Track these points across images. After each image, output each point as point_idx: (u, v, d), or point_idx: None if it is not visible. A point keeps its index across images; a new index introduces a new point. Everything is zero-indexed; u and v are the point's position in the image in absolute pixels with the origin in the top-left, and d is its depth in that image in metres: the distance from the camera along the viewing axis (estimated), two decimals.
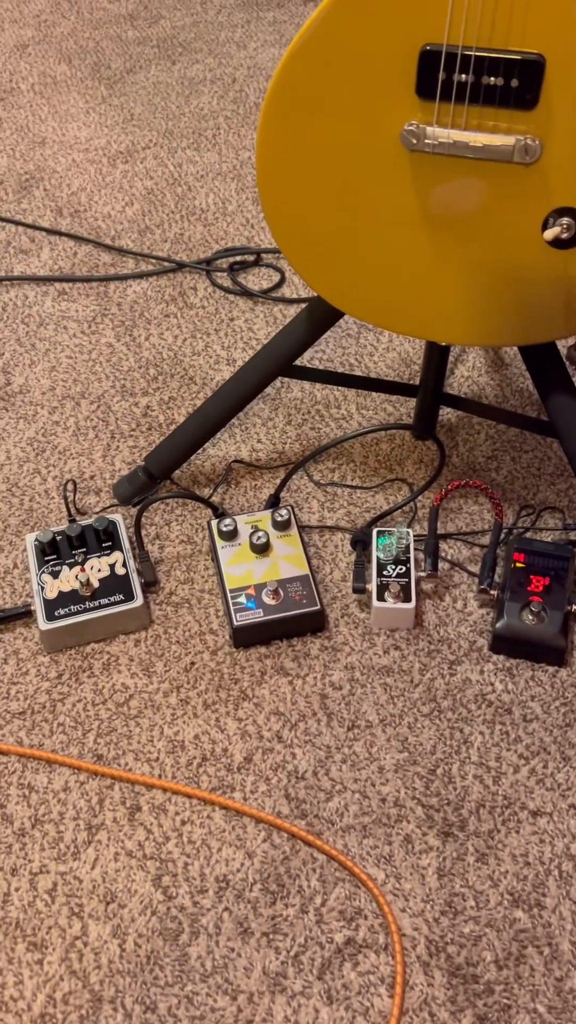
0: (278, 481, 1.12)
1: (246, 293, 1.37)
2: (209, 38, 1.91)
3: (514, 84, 0.77)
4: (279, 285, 1.39)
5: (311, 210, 0.88)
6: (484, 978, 0.78)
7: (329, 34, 0.79)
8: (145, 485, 1.11)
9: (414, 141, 0.81)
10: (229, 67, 1.83)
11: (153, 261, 1.43)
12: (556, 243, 0.84)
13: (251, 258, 1.42)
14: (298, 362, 1.14)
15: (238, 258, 1.42)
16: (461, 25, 0.76)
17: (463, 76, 0.77)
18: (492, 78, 0.77)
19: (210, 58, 1.86)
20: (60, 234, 1.48)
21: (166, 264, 1.42)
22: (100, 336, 1.32)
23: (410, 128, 0.81)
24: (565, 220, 0.83)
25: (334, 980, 0.78)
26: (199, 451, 1.17)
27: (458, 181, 0.83)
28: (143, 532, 1.09)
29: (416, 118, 0.81)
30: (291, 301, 1.37)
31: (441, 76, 0.78)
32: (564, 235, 0.83)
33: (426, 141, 0.81)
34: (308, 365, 1.27)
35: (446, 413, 1.20)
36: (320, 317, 1.01)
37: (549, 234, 0.83)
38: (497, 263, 0.87)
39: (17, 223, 1.50)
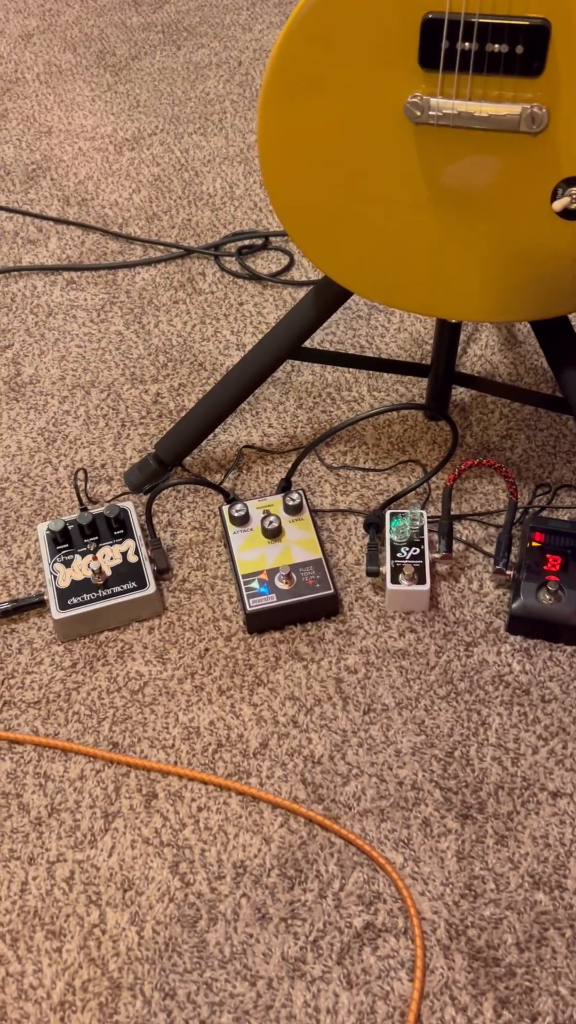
0: (290, 465, 1.11)
1: (255, 277, 1.36)
2: (214, 21, 1.90)
3: (519, 51, 0.75)
4: (288, 268, 1.38)
5: (315, 189, 0.87)
6: (505, 961, 0.77)
7: (327, 7, 0.77)
8: (156, 472, 1.10)
9: (418, 113, 0.79)
10: (235, 50, 1.82)
11: (161, 248, 1.42)
12: (565, 214, 0.83)
13: (259, 242, 1.41)
14: (308, 344, 1.13)
15: (246, 242, 1.41)
16: None
17: (467, 44, 0.76)
18: (496, 45, 0.75)
19: (215, 42, 1.84)
20: (67, 223, 1.47)
21: (174, 250, 1.41)
22: (109, 324, 1.32)
23: (414, 100, 0.79)
24: (574, 190, 0.81)
25: (353, 965, 0.78)
26: (210, 437, 1.16)
27: (464, 153, 0.82)
28: (155, 519, 1.08)
29: (420, 90, 0.79)
30: (300, 284, 1.35)
31: (444, 45, 0.76)
32: (573, 205, 0.82)
33: (430, 113, 0.79)
34: (318, 347, 1.26)
35: (459, 392, 1.18)
36: (328, 298, 1.00)
37: (558, 204, 0.82)
38: (506, 237, 0.86)
39: (25, 213, 1.49)
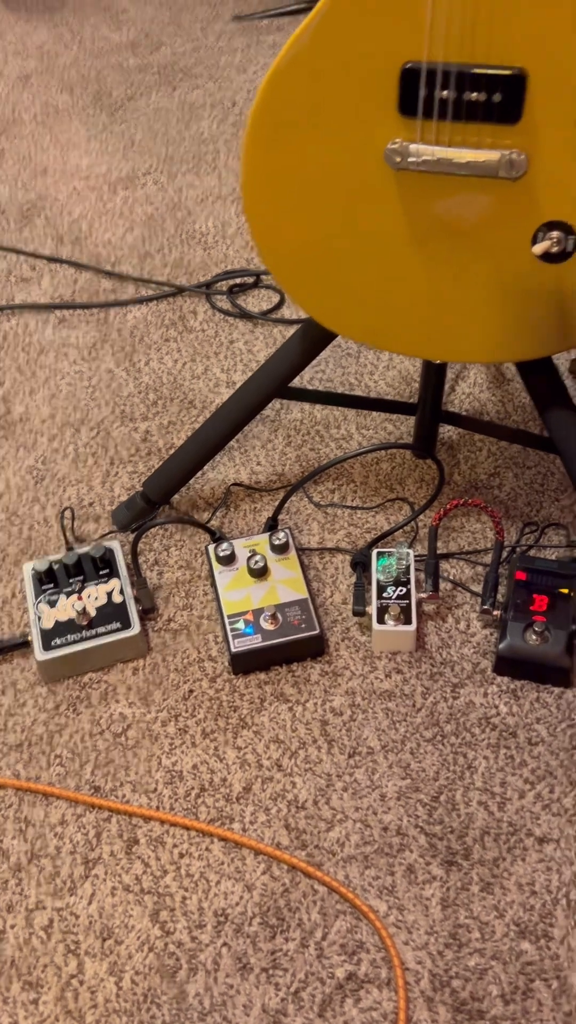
0: (277, 503, 1.11)
1: (245, 315, 1.37)
2: (209, 63, 1.92)
3: (496, 99, 0.76)
4: (279, 306, 1.39)
5: (298, 232, 0.88)
6: (490, 1013, 0.76)
7: (310, 54, 0.78)
8: (144, 510, 1.10)
9: (398, 159, 0.80)
10: (229, 91, 1.84)
11: (153, 286, 1.43)
12: (546, 257, 0.83)
13: (250, 280, 1.42)
14: (296, 383, 1.13)
15: (238, 280, 1.42)
16: (441, 41, 0.75)
17: (444, 92, 0.76)
18: (474, 93, 0.76)
19: (210, 83, 1.87)
20: (61, 261, 1.48)
21: (166, 288, 1.42)
22: (100, 362, 1.32)
23: (393, 146, 0.80)
24: (555, 234, 0.82)
25: (335, 1017, 0.76)
26: (198, 475, 1.16)
27: (445, 198, 0.82)
28: (141, 558, 1.08)
29: (400, 136, 0.80)
30: (291, 322, 1.36)
31: (423, 93, 0.77)
32: (554, 249, 0.82)
33: (410, 159, 0.80)
34: (308, 385, 1.26)
35: (447, 430, 1.18)
36: (314, 338, 1.00)
37: (539, 248, 0.82)
38: (488, 279, 0.86)
39: (18, 252, 1.50)
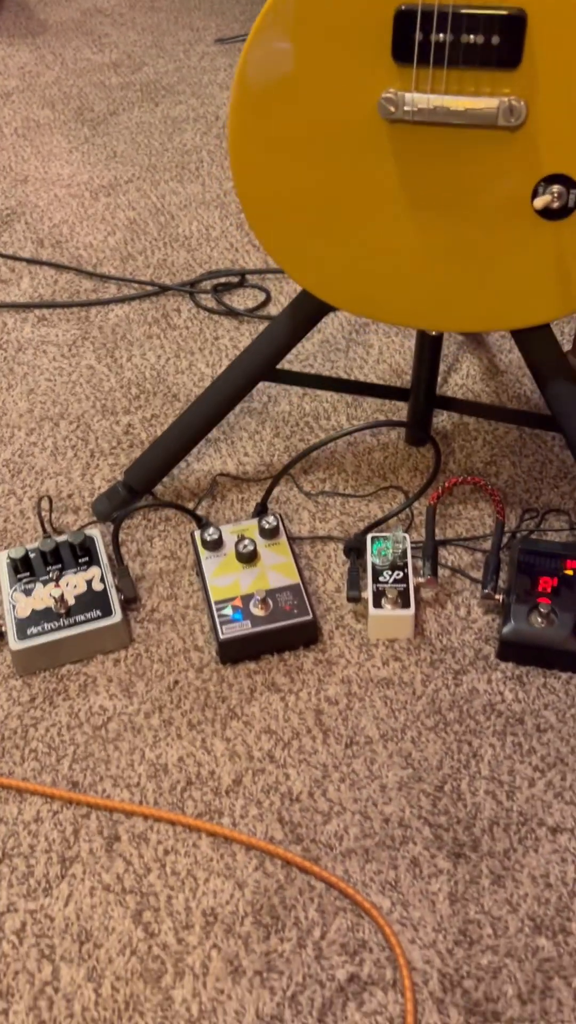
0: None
1: (231, 313, 1.33)
2: (192, 81, 1.92)
3: (495, 42, 0.73)
4: (265, 304, 1.35)
5: (289, 195, 0.84)
6: (506, 1015, 0.69)
7: (298, 1, 0.75)
8: (125, 500, 1.05)
9: (392, 109, 0.77)
10: (212, 106, 1.83)
11: (135, 285, 1.40)
12: (546, 212, 0.80)
13: (235, 279, 1.39)
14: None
15: (222, 280, 1.39)
16: None
17: (441, 36, 0.74)
18: (472, 36, 0.73)
19: (193, 99, 1.86)
20: (40, 263, 1.45)
21: (148, 288, 1.39)
22: (80, 359, 1.28)
23: (388, 96, 0.77)
24: (555, 188, 0.79)
25: (337, 1022, 0.69)
26: (182, 465, 1.11)
27: (441, 152, 0.79)
28: (123, 549, 1.03)
29: (394, 85, 0.77)
30: None
31: (418, 37, 0.74)
32: (555, 204, 0.79)
33: (405, 108, 0.77)
34: None
35: (440, 420, 1.14)
36: (304, 314, 0.96)
37: (539, 202, 0.79)
38: (486, 239, 0.83)
39: None
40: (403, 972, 0.71)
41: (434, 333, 0.97)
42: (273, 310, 1.35)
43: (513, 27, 0.73)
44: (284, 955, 0.73)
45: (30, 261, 1.46)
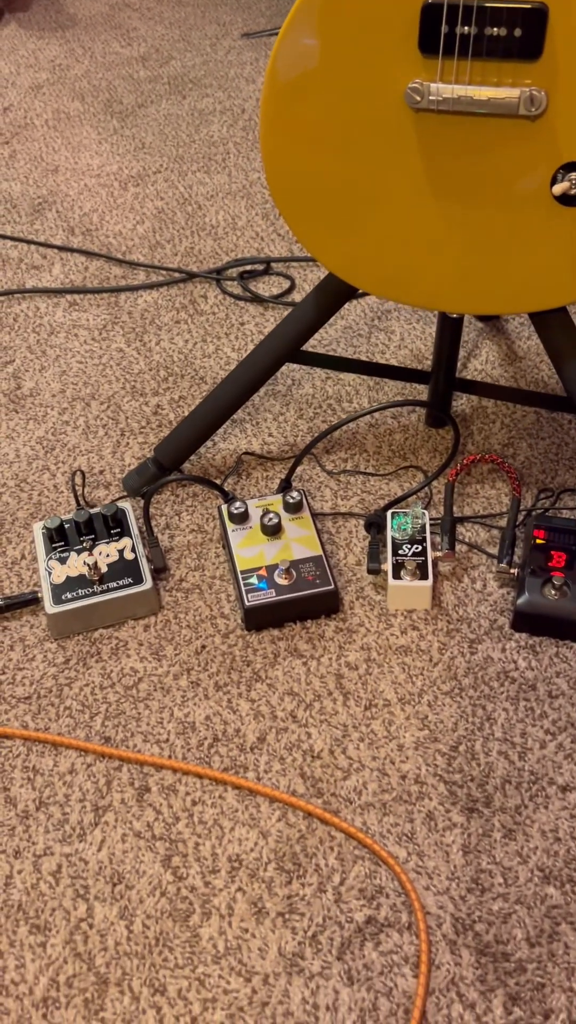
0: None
1: (256, 299, 1.37)
2: (219, 74, 1.96)
3: (517, 34, 0.77)
4: (290, 291, 1.39)
5: (318, 182, 0.88)
6: (515, 956, 0.73)
7: None
8: (155, 476, 1.09)
9: (418, 99, 0.81)
10: (239, 99, 1.87)
11: (163, 272, 1.44)
12: (564, 199, 0.84)
13: (261, 267, 1.43)
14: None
15: (248, 267, 1.43)
16: None
17: (466, 28, 0.77)
18: (495, 29, 0.77)
19: (220, 92, 1.90)
20: (71, 250, 1.49)
21: (176, 275, 1.43)
22: (111, 342, 1.32)
23: (414, 86, 0.81)
24: (574, 175, 0.82)
25: (355, 960, 0.73)
26: (209, 444, 1.16)
27: (464, 140, 0.83)
28: (152, 522, 1.07)
29: (420, 76, 0.81)
30: None
31: (444, 29, 0.78)
32: (573, 191, 0.83)
33: (430, 98, 0.80)
34: None
35: (459, 403, 1.18)
36: (329, 297, 1.00)
37: (558, 189, 0.83)
38: (506, 224, 0.86)
39: (29, 241, 1.51)
40: (418, 915, 0.75)
41: (455, 316, 1.01)
42: (298, 297, 1.39)
43: (535, 20, 0.76)
44: (305, 898, 0.77)
45: (61, 248, 1.50)
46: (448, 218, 0.87)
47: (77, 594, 0.96)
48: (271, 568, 0.96)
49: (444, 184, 0.86)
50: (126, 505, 1.04)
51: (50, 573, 0.98)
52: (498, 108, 0.80)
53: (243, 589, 0.95)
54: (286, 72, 0.83)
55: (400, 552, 0.97)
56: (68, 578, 0.97)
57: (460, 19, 0.77)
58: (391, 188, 0.87)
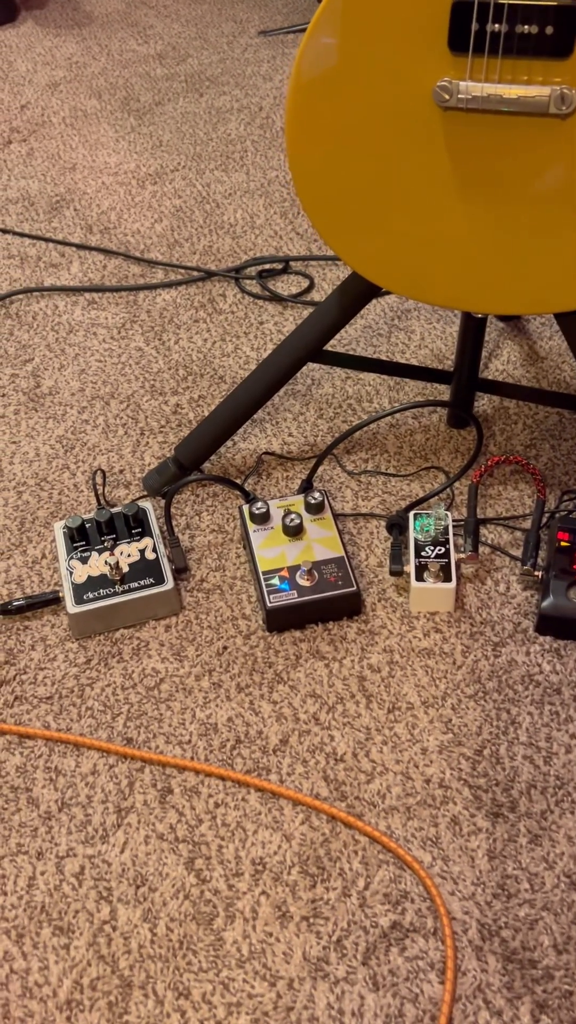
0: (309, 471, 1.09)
1: (276, 298, 1.37)
2: (236, 72, 1.95)
3: (549, 31, 0.76)
4: (308, 290, 1.39)
5: (343, 180, 0.88)
6: (542, 963, 0.72)
7: None
8: (175, 476, 1.09)
9: (447, 97, 0.80)
10: (256, 97, 1.87)
11: (182, 271, 1.43)
12: None
13: (279, 266, 1.42)
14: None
15: (267, 266, 1.42)
16: None
17: (497, 26, 0.77)
18: (526, 26, 0.76)
19: (237, 90, 1.89)
20: (90, 248, 1.49)
21: (195, 273, 1.42)
22: (130, 341, 1.32)
23: (443, 84, 0.80)
24: None
25: (380, 966, 0.73)
26: (229, 444, 1.15)
27: (492, 138, 0.82)
28: (173, 522, 1.06)
29: (449, 74, 0.80)
30: None
31: (474, 27, 0.77)
32: None
33: (459, 96, 0.80)
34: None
35: (481, 404, 1.17)
36: (352, 297, 1.00)
37: None
38: (533, 224, 0.86)
39: (47, 240, 1.51)
40: (443, 921, 0.74)
41: (479, 316, 1.00)
42: (316, 296, 1.38)
43: (567, 18, 0.76)
44: (330, 903, 0.76)
45: (79, 247, 1.50)
46: (475, 217, 0.87)
47: (99, 594, 0.95)
48: (293, 569, 0.96)
49: (471, 183, 0.85)
50: (147, 505, 1.04)
51: (71, 573, 0.97)
52: (528, 107, 0.79)
53: (265, 590, 0.94)
54: (312, 71, 0.83)
55: (423, 554, 0.96)
56: (89, 578, 0.97)
57: (491, 17, 0.76)
58: (417, 187, 0.86)
